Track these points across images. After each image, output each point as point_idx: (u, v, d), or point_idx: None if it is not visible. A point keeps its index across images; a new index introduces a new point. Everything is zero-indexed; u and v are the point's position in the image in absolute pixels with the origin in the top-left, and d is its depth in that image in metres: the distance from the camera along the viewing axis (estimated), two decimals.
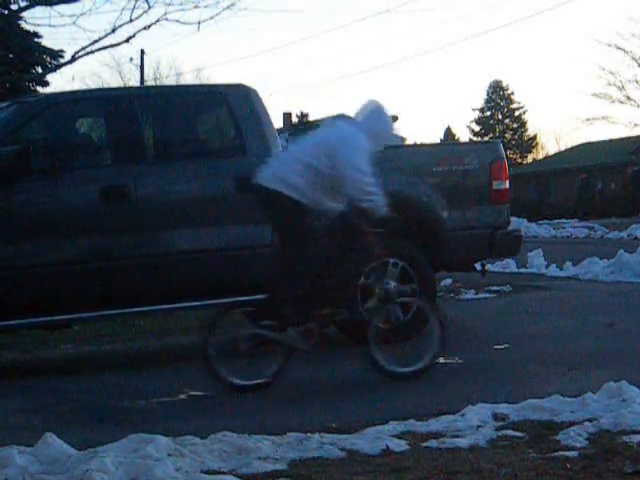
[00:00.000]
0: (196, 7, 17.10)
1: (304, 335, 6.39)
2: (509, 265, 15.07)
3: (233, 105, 8.05)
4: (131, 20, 16.88)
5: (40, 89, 22.05)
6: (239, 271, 7.76)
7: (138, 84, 39.27)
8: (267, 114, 8.16)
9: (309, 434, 4.78)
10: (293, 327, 6.38)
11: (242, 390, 6.35)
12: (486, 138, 68.12)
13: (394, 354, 6.55)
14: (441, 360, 6.82)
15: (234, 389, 6.37)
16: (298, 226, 6.36)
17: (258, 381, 6.42)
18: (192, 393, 6.56)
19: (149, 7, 16.81)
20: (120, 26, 16.84)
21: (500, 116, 75.04)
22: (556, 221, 37.28)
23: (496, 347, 7.61)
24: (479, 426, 4.90)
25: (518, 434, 4.75)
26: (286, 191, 6.31)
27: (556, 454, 4.34)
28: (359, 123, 6.50)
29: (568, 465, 4.16)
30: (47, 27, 22.98)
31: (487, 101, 75.39)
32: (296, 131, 54.44)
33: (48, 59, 22.37)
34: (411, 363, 6.57)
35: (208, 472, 4.26)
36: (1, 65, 20.43)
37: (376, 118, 6.52)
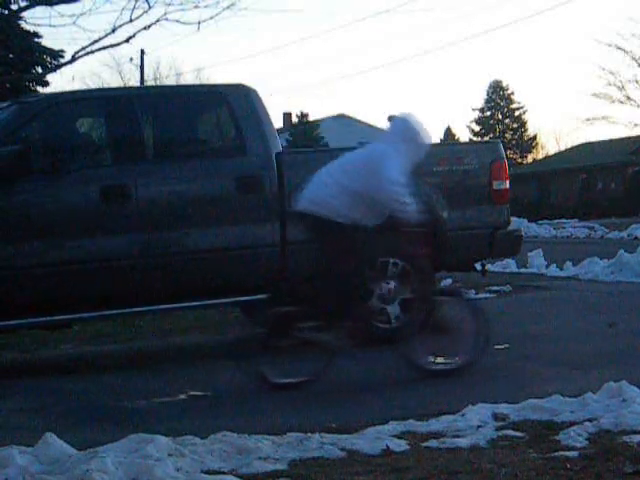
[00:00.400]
0: (196, 7, 17.10)
1: (345, 335, 6.45)
2: (509, 265, 15.07)
3: (233, 105, 8.05)
4: (131, 20, 16.88)
5: (40, 89, 22.08)
6: (239, 271, 7.76)
7: (138, 84, 39.27)
8: (267, 114, 8.16)
9: (309, 434, 4.78)
10: (334, 328, 6.44)
11: (284, 388, 6.37)
12: (486, 138, 68.14)
13: (432, 352, 6.58)
14: (441, 360, 6.82)
15: (276, 387, 6.39)
16: (342, 245, 6.44)
17: (300, 379, 6.45)
18: (192, 393, 6.56)
19: (149, 7, 16.82)
20: (120, 26, 16.84)
21: (500, 116, 75.04)
22: (556, 221, 37.28)
23: (496, 347, 7.60)
24: (479, 426, 4.90)
25: (518, 434, 4.75)
26: (325, 214, 6.39)
27: (556, 454, 4.35)
28: (390, 140, 6.54)
29: (568, 465, 4.16)
30: (47, 27, 22.97)
31: (487, 101, 75.39)
32: (296, 131, 54.61)
33: (48, 59, 22.40)
34: (450, 360, 6.62)
35: (208, 472, 4.26)
36: (1, 65, 20.46)
37: (405, 132, 6.54)
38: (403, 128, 6.58)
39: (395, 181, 6.33)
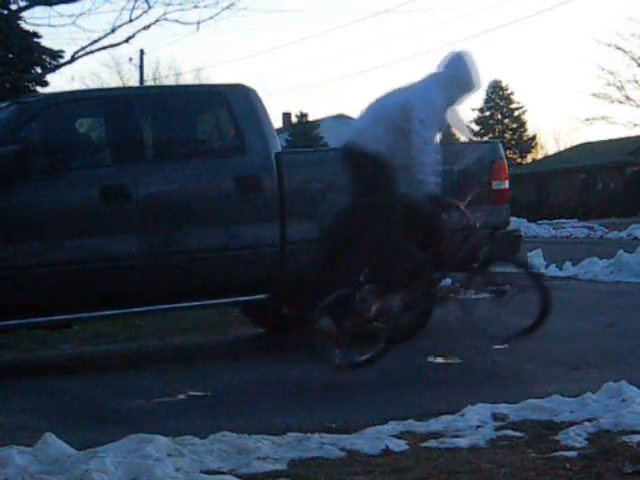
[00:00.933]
0: (196, 7, 17.13)
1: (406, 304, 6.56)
2: (509, 265, 15.04)
3: (233, 105, 8.04)
4: (131, 20, 16.91)
5: (40, 89, 22.06)
6: (239, 271, 7.76)
7: (137, 84, 39.28)
8: (267, 114, 8.16)
9: (309, 434, 4.77)
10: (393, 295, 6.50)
11: (348, 368, 6.50)
12: (486, 138, 68.14)
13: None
14: (441, 360, 6.83)
15: (339, 368, 6.50)
16: (381, 180, 6.43)
17: (361, 360, 6.57)
18: (192, 393, 6.56)
19: (149, 7, 16.85)
20: (120, 26, 16.88)
21: (500, 116, 75.01)
22: (556, 221, 37.27)
23: (496, 347, 7.61)
24: (479, 426, 4.90)
25: (518, 434, 4.75)
26: (368, 145, 6.40)
27: (556, 454, 4.34)
28: (438, 74, 6.51)
29: (568, 465, 4.16)
30: (47, 27, 22.97)
31: (486, 101, 75.36)
32: (296, 131, 54.58)
33: (48, 59, 22.38)
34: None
35: (208, 472, 4.25)
36: (1, 65, 20.45)
37: (456, 65, 6.52)
38: (457, 63, 6.53)
39: (426, 142, 6.29)
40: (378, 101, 6.74)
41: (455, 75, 6.49)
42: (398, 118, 6.42)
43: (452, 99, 6.51)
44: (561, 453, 4.35)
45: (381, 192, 6.45)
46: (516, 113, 75.42)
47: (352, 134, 6.56)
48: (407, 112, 6.38)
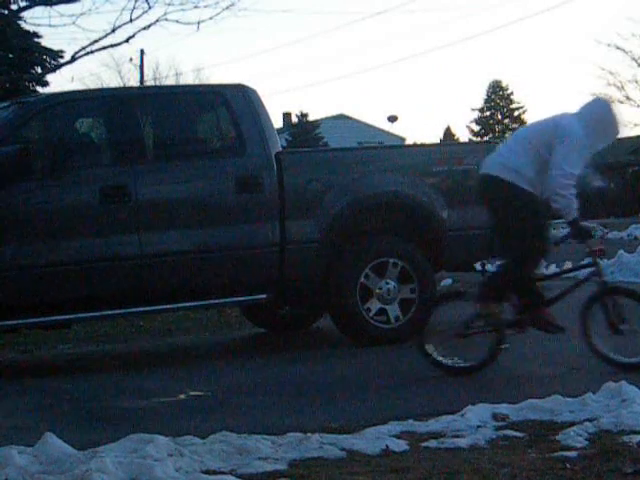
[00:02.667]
0: (196, 7, 17.10)
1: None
2: None
3: (233, 105, 8.05)
4: (131, 20, 16.90)
5: (40, 89, 22.05)
6: (239, 271, 7.76)
7: (138, 84, 39.27)
8: (267, 114, 8.16)
9: (309, 434, 4.78)
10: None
11: (453, 373, 6.54)
12: (486, 138, 68.13)
13: (618, 344, 6.53)
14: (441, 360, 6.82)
15: (445, 370, 6.56)
16: (519, 212, 6.61)
17: (467, 365, 6.61)
18: (192, 393, 6.56)
19: (149, 7, 16.83)
20: (120, 26, 16.85)
21: (500, 116, 75.02)
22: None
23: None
24: (479, 426, 4.90)
25: (518, 434, 4.76)
26: (508, 177, 6.46)
27: (556, 454, 4.35)
28: (582, 117, 6.54)
29: (568, 465, 4.17)
30: (47, 27, 22.93)
31: (487, 101, 75.38)
32: (296, 131, 54.56)
33: (48, 59, 22.36)
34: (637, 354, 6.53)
35: (208, 472, 4.26)
36: (1, 65, 20.44)
37: (600, 113, 6.57)
38: (600, 111, 6.57)
39: (563, 169, 6.35)
40: (521, 132, 7.01)
41: (600, 121, 6.53)
42: (540, 142, 6.50)
43: (592, 141, 6.55)
44: (561, 453, 4.35)
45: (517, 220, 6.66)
46: (516, 113, 75.40)
47: (492, 165, 6.65)
48: (550, 136, 6.45)
